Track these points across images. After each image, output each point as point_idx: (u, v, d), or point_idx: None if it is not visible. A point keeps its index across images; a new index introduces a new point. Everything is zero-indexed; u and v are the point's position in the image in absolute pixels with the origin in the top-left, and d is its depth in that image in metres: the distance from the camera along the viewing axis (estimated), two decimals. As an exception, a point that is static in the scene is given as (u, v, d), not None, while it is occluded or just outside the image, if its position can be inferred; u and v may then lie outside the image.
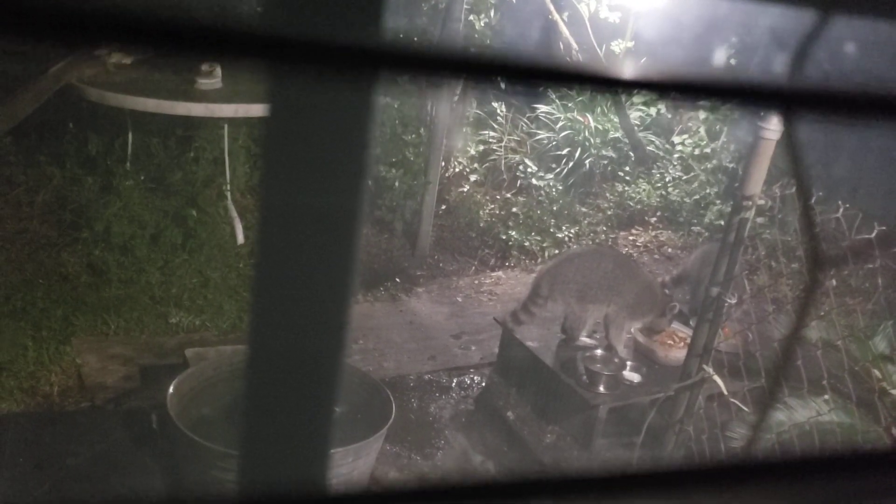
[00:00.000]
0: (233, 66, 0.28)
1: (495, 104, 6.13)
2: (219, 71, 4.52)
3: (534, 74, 0.29)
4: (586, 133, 5.97)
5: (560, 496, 0.41)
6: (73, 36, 0.25)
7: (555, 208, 5.68)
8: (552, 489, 0.41)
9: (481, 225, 5.46)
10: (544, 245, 5.32)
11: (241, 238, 4.64)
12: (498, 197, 5.87)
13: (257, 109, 4.37)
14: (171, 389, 2.85)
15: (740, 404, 2.57)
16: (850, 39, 4.74)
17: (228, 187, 4.75)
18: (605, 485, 0.42)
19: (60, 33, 0.25)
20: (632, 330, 3.48)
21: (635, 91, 0.31)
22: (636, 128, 6.07)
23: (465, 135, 6.15)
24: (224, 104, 4.40)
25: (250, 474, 0.44)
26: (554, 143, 6.05)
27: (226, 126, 4.69)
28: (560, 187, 5.88)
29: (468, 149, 6.14)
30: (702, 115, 6.06)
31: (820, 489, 0.45)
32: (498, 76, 0.29)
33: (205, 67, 4.50)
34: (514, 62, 0.29)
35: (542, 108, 6.13)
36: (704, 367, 2.66)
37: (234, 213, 4.70)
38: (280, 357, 0.41)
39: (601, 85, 0.31)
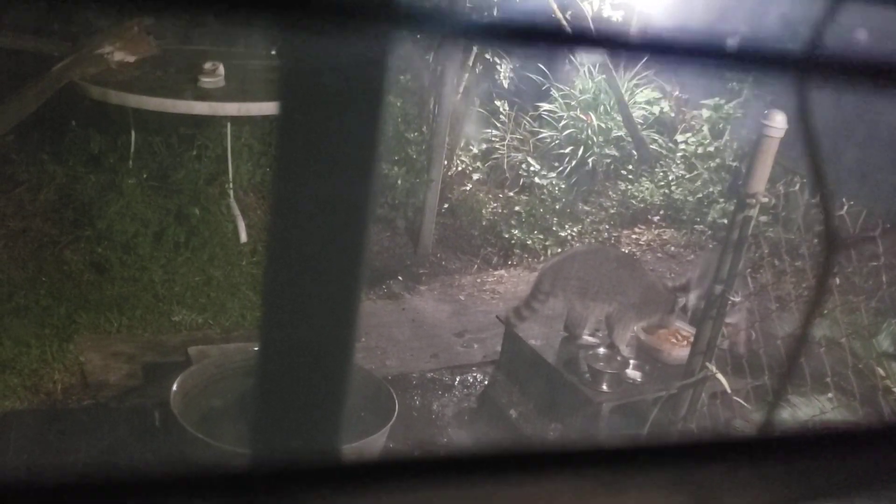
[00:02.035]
0: (244, 18, 0.28)
1: (498, 102, 6.13)
2: (221, 69, 4.53)
3: (559, 37, 0.29)
4: (589, 131, 5.97)
5: (568, 468, 0.41)
6: None
7: (557, 207, 5.68)
8: (559, 461, 0.41)
9: (484, 223, 5.46)
10: (547, 243, 5.32)
11: (243, 236, 4.64)
12: (500, 195, 5.86)
13: (260, 107, 4.37)
14: (174, 387, 2.86)
15: (743, 402, 2.57)
16: (861, 27, 4.72)
17: (231, 185, 4.76)
18: (613, 458, 0.42)
19: None
20: (635, 328, 3.48)
21: (657, 54, 0.30)
22: (639, 126, 6.06)
23: (467, 133, 6.14)
24: (227, 102, 4.40)
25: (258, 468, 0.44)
26: (557, 141, 6.04)
27: (228, 124, 4.69)
28: (563, 186, 5.88)
29: (471, 147, 6.13)
30: (705, 113, 6.06)
31: (820, 471, 0.45)
32: (522, 38, 0.29)
33: (207, 66, 4.50)
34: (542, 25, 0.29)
35: (545, 106, 6.13)
36: (707, 364, 2.66)
37: (237, 212, 4.70)
38: (290, 353, 0.41)
39: (624, 47, 0.30)
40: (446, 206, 5.59)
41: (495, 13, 5.55)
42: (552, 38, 0.29)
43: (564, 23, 5.60)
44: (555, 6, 5.53)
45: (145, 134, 4.76)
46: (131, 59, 4.61)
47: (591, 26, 5.66)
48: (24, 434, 2.99)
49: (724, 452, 0.43)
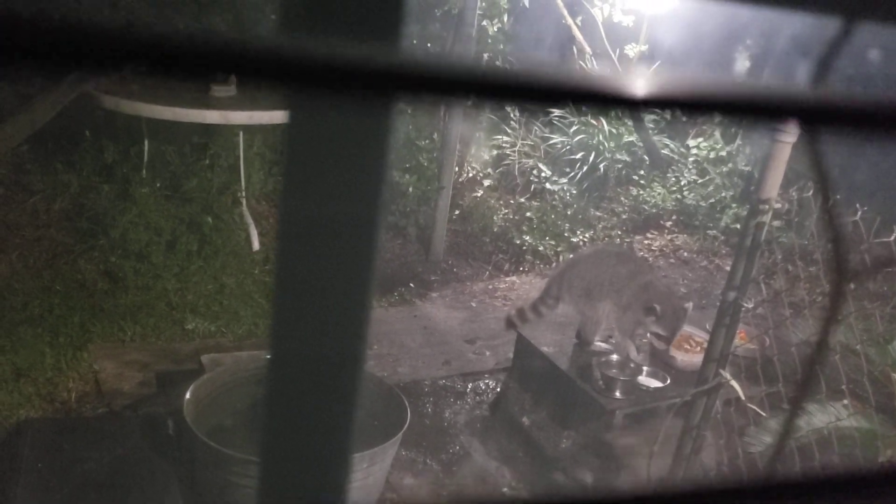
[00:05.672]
0: (249, 83, 0.28)
1: (508, 109, 6.12)
2: (233, 78, 4.54)
3: (545, 94, 0.29)
4: (600, 137, 5.96)
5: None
6: (87, 60, 0.25)
7: (569, 213, 5.67)
8: None
9: (495, 230, 5.46)
10: (559, 249, 5.31)
11: (256, 244, 4.66)
12: (512, 202, 5.86)
13: (272, 116, 4.39)
14: (187, 395, 2.86)
15: (758, 409, 2.55)
16: (873, 46, 4.70)
17: (243, 194, 4.78)
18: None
19: (72, 58, 0.25)
20: (647, 335, 3.46)
21: (647, 108, 0.30)
22: (651, 131, 6.05)
23: (478, 140, 6.15)
24: (239, 111, 4.43)
25: (269, 480, 0.44)
26: (568, 147, 6.04)
27: (241, 133, 4.71)
28: (574, 191, 5.87)
29: (482, 154, 6.14)
30: (717, 118, 6.03)
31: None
32: (513, 98, 0.29)
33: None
34: (528, 81, 0.28)
35: (556, 112, 6.13)
36: (721, 371, 2.64)
37: (250, 220, 4.72)
38: (300, 363, 0.41)
39: (611, 104, 0.30)
40: (457, 212, 5.59)
41: (505, 21, 5.55)
42: (561, 99, 0.29)
43: (576, 29, 5.60)
44: (565, 13, 5.53)
45: (158, 143, 4.79)
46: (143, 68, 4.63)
47: (603, 32, 5.66)
48: (38, 442, 3.01)
49: (734, 497, 0.42)
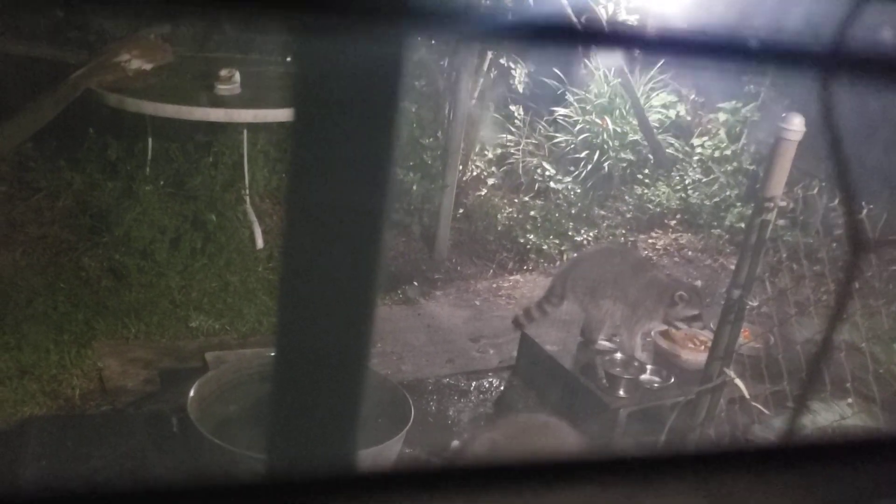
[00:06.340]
0: (263, 18, 0.28)
1: (513, 107, 6.12)
2: (237, 76, 4.55)
3: (572, 34, 0.28)
4: (605, 136, 5.95)
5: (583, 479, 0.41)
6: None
7: (573, 211, 5.66)
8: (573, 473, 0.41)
9: (499, 228, 5.45)
10: (563, 248, 5.30)
11: (260, 242, 4.66)
12: (516, 200, 5.85)
13: (276, 114, 4.39)
14: (191, 393, 2.87)
15: (762, 407, 2.55)
16: (886, 25, 4.68)
17: (247, 192, 4.78)
18: (630, 466, 0.41)
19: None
20: (652, 333, 3.45)
21: (677, 53, 0.30)
22: (655, 130, 6.04)
23: (482, 138, 6.14)
24: (243, 109, 4.43)
25: (274, 477, 0.44)
26: (572, 146, 6.03)
27: (245, 131, 4.71)
28: (578, 190, 5.86)
29: (486, 152, 6.13)
30: (721, 116, 6.02)
31: (842, 478, 0.44)
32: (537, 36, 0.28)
33: (223, 73, 4.53)
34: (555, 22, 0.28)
35: (561, 110, 6.12)
36: (726, 370, 2.64)
37: (253, 217, 4.72)
38: (305, 359, 0.41)
39: (650, 46, 0.30)
40: (461, 211, 5.58)
41: (509, 18, 5.55)
42: (570, 38, 0.29)
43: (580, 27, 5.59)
44: (569, 11, 5.52)
45: (162, 141, 4.79)
46: (148, 66, 4.64)
47: (607, 29, 5.65)
48: (42, 440, 3.01)
49: (745, 460, 0.42)
